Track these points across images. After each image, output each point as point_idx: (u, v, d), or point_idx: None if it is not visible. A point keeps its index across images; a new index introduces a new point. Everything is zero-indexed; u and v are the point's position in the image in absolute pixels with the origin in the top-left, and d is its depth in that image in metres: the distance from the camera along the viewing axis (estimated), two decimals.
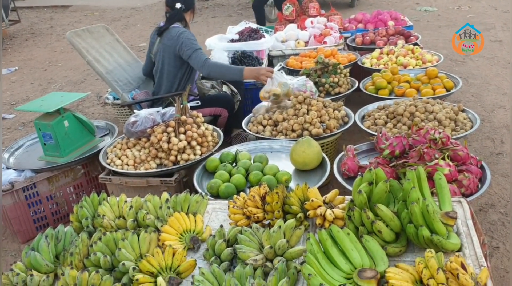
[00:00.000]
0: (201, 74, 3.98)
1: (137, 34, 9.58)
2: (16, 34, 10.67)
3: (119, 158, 3.05)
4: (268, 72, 3.51)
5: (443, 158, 2.32)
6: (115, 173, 3.01)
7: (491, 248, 2.62)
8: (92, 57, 3.77)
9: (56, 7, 13.40)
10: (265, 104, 3.56)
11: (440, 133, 2.44)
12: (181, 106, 3.06)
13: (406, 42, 5.00)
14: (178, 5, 3.67)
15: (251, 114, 3.62)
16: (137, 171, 2.93)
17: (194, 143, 2.96)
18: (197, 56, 3.53)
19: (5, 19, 10.03)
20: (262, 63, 4.46)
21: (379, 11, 5.93)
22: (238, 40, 4.86)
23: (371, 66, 4.50)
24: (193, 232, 1.95)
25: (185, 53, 3.55)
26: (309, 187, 2.01)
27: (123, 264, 1.72)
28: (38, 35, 10.56)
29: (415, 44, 4.94)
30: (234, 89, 4.03)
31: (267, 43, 4.76)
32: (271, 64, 5.00)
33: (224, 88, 4.05)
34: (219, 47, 4.62)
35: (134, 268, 1.69)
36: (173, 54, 3.63)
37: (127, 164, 2.99)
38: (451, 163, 2.29)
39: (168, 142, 2.93)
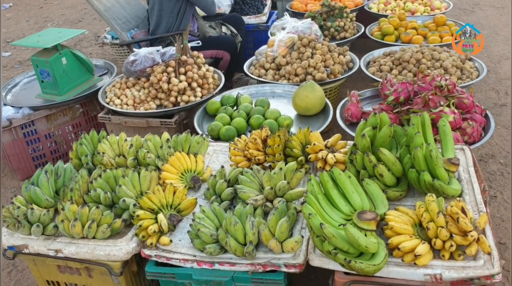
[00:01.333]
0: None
1: None
2: None
3: (119, 98, 3.00)
4: None
5: (448, 105, 2.28)
6: (115, 113, 2.98)
7: (489, 197, 2.64)
8: None
9: None
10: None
11: (446, 80, 2.39)
12: (182, 46, 2.97)
13: None
14: None
15: (253, 57, 3.53)
16: (137, 111, 2.90)
17: (194, 84, 2.90)
18: None
19: None
20: (266, 5, 4.30)
21: None
22: None
23: (378, 11, 4.36)
24: (194, 172, 1.95)
25: None
26: (311, 131, 1.99)
27: (124, 200, 1.72)
28: None
29: None
30: (233, 30, 3.89)
31: None
32: (274, 6, 4.83)
33: (223, 29, 3.91)
34: None
35: (134, 205, 1.69)
36: None
37: (127, 104, 2.95)
38: (456, 111, 2.26)
39: (168, 82, 2.87)
